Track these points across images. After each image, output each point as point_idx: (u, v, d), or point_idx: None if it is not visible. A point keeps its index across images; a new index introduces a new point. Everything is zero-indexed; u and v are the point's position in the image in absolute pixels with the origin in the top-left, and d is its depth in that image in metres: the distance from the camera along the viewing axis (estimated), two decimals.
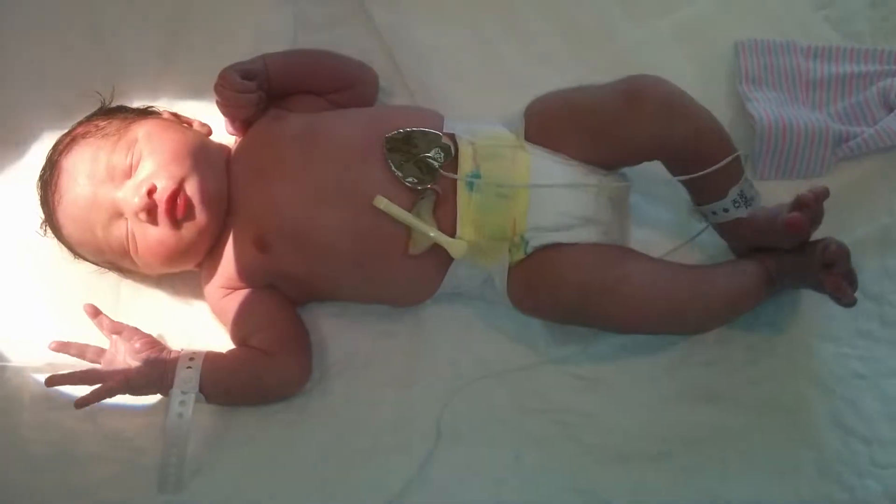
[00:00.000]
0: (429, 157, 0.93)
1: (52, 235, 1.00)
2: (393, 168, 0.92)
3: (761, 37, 1.10)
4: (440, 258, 0.94)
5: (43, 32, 1.14)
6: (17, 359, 1.00)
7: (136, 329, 0.99)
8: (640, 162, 0.96)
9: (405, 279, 0.97)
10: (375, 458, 0.94)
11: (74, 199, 0.94)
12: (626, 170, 1.00)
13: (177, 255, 0.95)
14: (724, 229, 0.97)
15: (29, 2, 1.15)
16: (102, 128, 0.97)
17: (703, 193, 0.95)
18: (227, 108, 0.98)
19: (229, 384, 0.95)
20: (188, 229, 0.93)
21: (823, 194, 0.90)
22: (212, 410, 0.97)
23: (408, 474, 0.92)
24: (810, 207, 0.90)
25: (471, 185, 0.92)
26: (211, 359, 0.95)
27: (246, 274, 0.97)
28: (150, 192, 0.91)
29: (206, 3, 1.16)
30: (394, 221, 0.91)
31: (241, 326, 0.97)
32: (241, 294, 0.98)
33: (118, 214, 0.93)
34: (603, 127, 0.94)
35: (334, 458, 0.94)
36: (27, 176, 1.04)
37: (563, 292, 0.92)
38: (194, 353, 0.95)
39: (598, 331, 0.97)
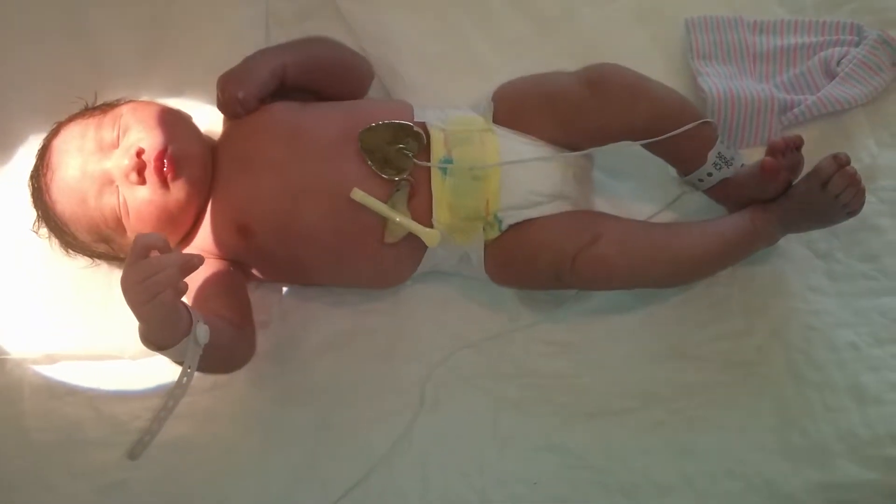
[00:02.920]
0: (401, 147, 0.97)
1: (46, 233, 1.03)
2: (368, 161, 0.96)
3: (714, 13, 1.15)
4: (416, 244, 0.98)
5: (26, 35, 1.17)
6: (16, 351, 1.04)
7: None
8: (607, 143, 1.00)
9: (382, 266, 1.01)
10: (360, 427, 0.98)
11: (66, 172, 0.97)
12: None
13: (166, 216, 0.96)
14: (715, 195, 1.01)
15: (12, 6, 1.18)
16: (88, 113, 1.01)
17: (684, 164, 0.99)
18: (224, 111, 1.02)
19: (219, 343, 0.88)
20: (176, 188, 0.96)
21: (795, 141, 0.94)
22: (202, 388, 1.00)
23: (391, 441, 0.97)
24: (782, 153, 0.94)
25: (444, 171, 0.96)
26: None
27: (224, 250, 1.00)
28: (139, 154, 0.94)
29: (183, 3, 1.18)
30: (371, 212, 0.95)
31: (204, 290, 0.97)
32: (209, 262, 0.98)
33: (109, 182, 0.96)
34: (570, 114, 0.98)
35: (321, 430, 0.99)
36: (16, 176, 1.08)
37: (541, 261, 0.97)
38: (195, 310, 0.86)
39: (572, 295, 1.02)
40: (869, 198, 0.99)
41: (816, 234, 1.03)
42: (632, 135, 0.98)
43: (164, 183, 0.95)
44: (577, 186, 1.01)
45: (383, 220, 0.96)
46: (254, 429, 1.00)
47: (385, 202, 0.96)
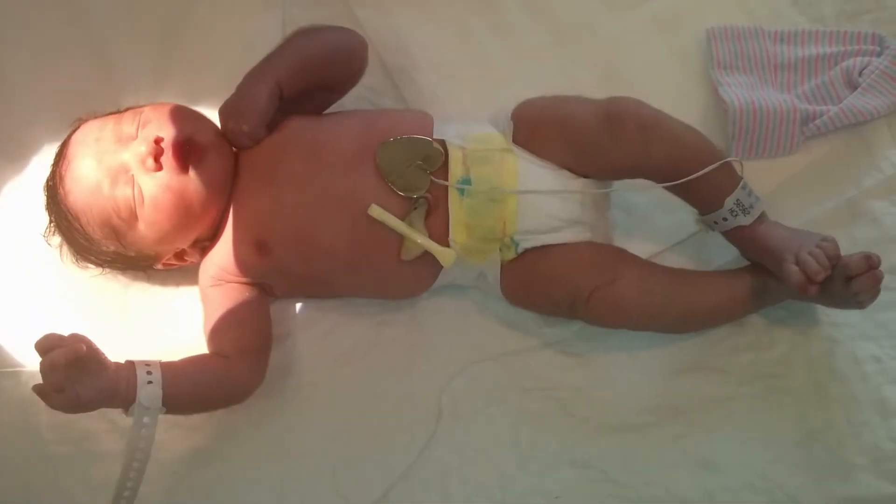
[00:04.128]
0: (419, 165, 0.96)
1: (57, 241, 1.02)
2: (385, 177, 0.95)
3: (733, 23, 1.14)
4: (433, 261, 0.97)
5: (40, 45, 1.17)
6: (31, 364, 1.02)
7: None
8: (623, 178, 1.00)
9: (398, 281, 1.00)
10: (380, 441, 0.98)
11: (81, 161, 0.96)
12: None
13: (183, 205, 0.95)
14: (730, 238, 0.98)
15: (26, 16, 1.18)
16: (110, 113, 1.01)
17: (701, 205, 0.97)
18: (234, 145, 1.00)
19: (190, 392, 0.91)
20: (196, 175, 0.94)
21: (875, 262, 0.88)
22: None
23: (412, 454, 0.96)
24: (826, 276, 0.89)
25: (461, 191, 0.96)
26: (168, 368, 0.89)
27: (243, 270, 1.00)
28: (157, 141, 0.94)
29: (199, 13, 1.19)
30: (388, 228, 0.95)
31: (213, 320, 0.98)
32: (227, 289, 0.99)
33: (125, 171, 0.95)
34: (585, 146, 0.96)
35: (341, 443, 0.98)
36: (29, 187, 1.08)
37: (556, 292, 0.97)
38: (148, 363, 0.88)
39: None
40: (890, 209, 0.99)
41: (840, 247, 1.01)
42: (644, 173, 0.97)
43: (183, 168, 0.94)
44: (596, 213, 1.00)
45: (400, 237, 0.96)
46: (271, 442, 1.00)
47: (403, 219, 0.95)
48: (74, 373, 0.81)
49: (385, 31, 1.17)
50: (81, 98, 1.10)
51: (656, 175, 0.96)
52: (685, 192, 0.97)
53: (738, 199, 0.94)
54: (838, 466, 0.92)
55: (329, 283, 1.01)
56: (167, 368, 0.89)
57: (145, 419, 0.84)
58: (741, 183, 0.94)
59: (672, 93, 1.11)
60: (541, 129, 0.98)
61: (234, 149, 1.02)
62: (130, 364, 0.87)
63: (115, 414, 0.98)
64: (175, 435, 0.99)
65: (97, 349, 0.84)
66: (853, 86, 1.09)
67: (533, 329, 1.04)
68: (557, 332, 1.03)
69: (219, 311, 0.98)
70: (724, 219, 0.95)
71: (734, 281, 0.99)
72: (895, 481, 0.90)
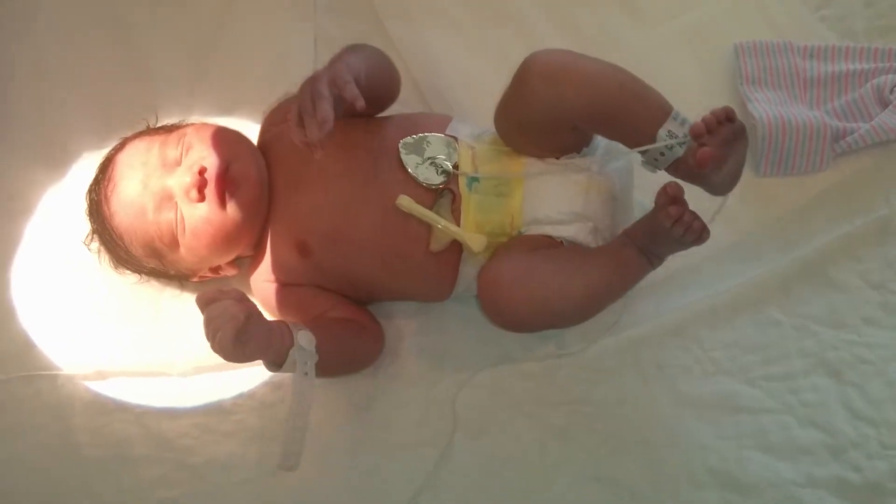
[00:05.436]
0: (441, 158, 0.98)
1: (96, 247, 1.04)
2: (409, 170, 0.97)
3: (761, 38, 1.14)
4: (454, 257, 0.99)
5: (79, 56, 1.19)
6: (67, 367, 1.05)
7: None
8: (572, 136, 0.95)
9: (424, 277, 1.01)
10: (402, 452, 0.99)
11: (128, 185, 0.98)
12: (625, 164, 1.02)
13: (221, 235, 0.97)
14: (675, 175, 0.92)
15: (67, 29, 1.21)
16: (153, 132, 1.03)
17: (632, 141, 0.91)
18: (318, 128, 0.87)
19: (333, 349, 0.94)
20: (233, 208, 0.97)
21: (721, 114, 0.85)
22: (250, 407, 1.01)
23: (434, 466, 0.97)
24: (711, 135, 0.85)
25: (470, 186, 0.97)
26: (307, 324, 0.93)
27: (290, 274, 1.02)
28: (201, 172, 0.96)
29: (232, 26, 1.21)
30: (417, 220, 0.96)
31: (310, 307, 1.00)
32: (290, 287, 1.02)
33: (169, 198, 0.97)
34: (515, 117, 0.95)
35: (362, 453, 0.99)
36: (70, 194, 1.10)
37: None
38: (294, 322, 0.91)
39: (615, 321, 1.02)
40: None
41: (869, 264, 1.02)
42: (577, 122, 0.92)
43: (223, 202, 0.97)
44: (603, 207, 1.00)
45: (428, 229, 0.97)
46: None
47: (430, 210, 0.96)
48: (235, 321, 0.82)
49: (414, 42, 1.19)
50: (119, 107, 1.13)
51: (589, 123, 0.92)
52: (613, 132, 0.93)
53: (669, 131, 0.88)
54: (870, 490, 0.91)
55: (366, 281, 1.02)
56: (307, 324, 0.93)
57: (307, 362, 0.88)
58: (672, 112, 0.88)
59: (699, 108, 1.08)
60: (499, 125, 0.98)
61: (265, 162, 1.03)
62: (276, 319, 0.93)
63: (149, 418, 1.02)
64: (206, 440, 1.00)
65: (252, 303, 0.86)
66: (884, 103, 1.08)
67: (556, 342, 1.04)
68: (581, 345, 1.03)
69: (304, 298, 1.01)
70: (662, 154, 0.89)
71: (605, 253, 0.95)
72: None
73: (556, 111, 0.90)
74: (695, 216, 0.89)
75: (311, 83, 0.88)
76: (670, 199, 0.89)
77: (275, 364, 0.88)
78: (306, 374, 0.87)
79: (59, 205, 1.13)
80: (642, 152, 0.91)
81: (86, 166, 1.10)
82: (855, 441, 0.94)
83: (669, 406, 0.99)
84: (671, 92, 1.11)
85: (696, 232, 0.89)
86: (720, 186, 0.92)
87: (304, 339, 0.88)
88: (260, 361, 0.88)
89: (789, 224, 1.07)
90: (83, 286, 1.10)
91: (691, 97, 1.09)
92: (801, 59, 1.13)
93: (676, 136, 0.87)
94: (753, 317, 1.02)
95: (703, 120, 0.85)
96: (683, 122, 0.88)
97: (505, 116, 0.97)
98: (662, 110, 0.89)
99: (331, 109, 0.85)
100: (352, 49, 1.01)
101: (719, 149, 0.85)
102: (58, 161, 1.15)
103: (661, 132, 0.88)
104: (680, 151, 0.88)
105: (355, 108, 0.87)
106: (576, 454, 0.97)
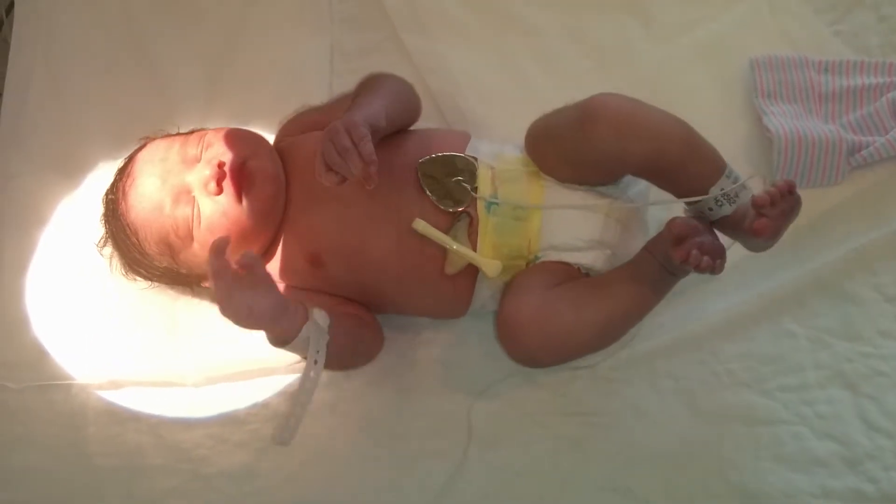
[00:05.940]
0: (459, 180, 0.98)
1: (109, 252, 1.04)
2: (427, 192, 0.97)
3: (776, 53, 1.15)
4: (470, 278, 0.99)
5: (98, 68, 1.21)
6: (81, 376, 1.05)
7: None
8: (619, 178, 0.98)
9: (441, 296, 1.01)
10: (417, 464, 0.98)
11: (147, 179, 0.99)
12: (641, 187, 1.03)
13: (236, 230, 0.96)
14: (719, 228, 0.96)
15: (85, 39, 1.22)
16: (174, 135, 1.04)
17: (686, 195, 0.93)
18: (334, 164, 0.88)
19: (341, 335, 0.93)
20: (250, 203, 0.97)
21: (785, 188, 0.86)
22: (265, 417, 1.01)
23: (448, 476, 0.96)
24: (774, 206, 0.86)
25: (488, 208, 0.97)
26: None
27: (298, 282, 1.02)
28: (220, 165, 0.97)
29: (249, 38, 1.22)
30: (432, 243, 0.96)
31: (314, 302, 0.96)
32: (298, 291, 1.01)
33: (187, 192, 0.98)
34: (568, 150, 0.95)
35: (377, 465, 0.99)
36: (85, 202, 1.11)
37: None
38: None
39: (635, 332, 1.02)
40: None
41: (885, 277, 1.02)
42: (631, 169, 0.95)
43: (240, 196, 0.97)
44: (622, 234, 1.00)
45: (444, 251, 0.97)
46: (312, 459, 1.00)
47: (446, 233, 0.96)
48: (247, 285, 0.81)
49: (430, 55, 1.20)
50: (136, 117, 1.14)
51: (644, 171, 0.94)
52: (665, 182, 0.95)
53: (722, 189, 0.91)
54: (886, 500, 0.90)
55: (377, 297, 1.03)
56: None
57: (319, 340, 0.86)
58: (726, 170, 0.91)
59: (715, 121, 1.10)
60: (539, 145, 0.99)
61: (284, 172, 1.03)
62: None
63: (162, 428, 1.02)
64: (221, 450, 1.00)
65: (267, 272, 0.84)
66: None
67: None
68: (596, 357, 1.03)
69: (310, 299, 0.99)
70: (710, 209, 0.92)
71: (628, 277, 0.96)
72: None
73: (617, 160, 0.92)
74: (701, 254, 0.87)
75: (331, 135, 0.87)
76: (675, 239, 0.89)
77: (283, 339, 0.85)
78: (318, 351, 0.85)
79: (74, 215, 1.13)
80: (690, 203, 0.94)
81: (101, 177, 1.10)
82: (871, 453, 0.94)
83: (684, 417, 0.99)
84: (687, 105, 1.12)
85: (705, 270, 0.88)
86: (761, 248, 0.94)
87: (320, 316, 0.88)
88: (280, 354, 0.87)
89: (804, 237, 1.07)
90: (97, 296, 1.10)
91: (707, 110, 1.11)
92: (817, 74, 1.14)
93: (728, 196, 0.91)
94: (769, 329, 1.02)
95: (768, 193, 0.86)
96: (736, 179, 0.92)
97: (551, 146, 0.97)
98: (717, 167, 0.91)
99: (372, 149, 0.86)
100: (371, 87, 1.00)
101: (777, 220, 0.87)
102: (73, 171, 1.16)
103: (714, 189, 0.91)
104: (729, 210, 0.91)
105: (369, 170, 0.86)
106: (590, 465, 0.97)
